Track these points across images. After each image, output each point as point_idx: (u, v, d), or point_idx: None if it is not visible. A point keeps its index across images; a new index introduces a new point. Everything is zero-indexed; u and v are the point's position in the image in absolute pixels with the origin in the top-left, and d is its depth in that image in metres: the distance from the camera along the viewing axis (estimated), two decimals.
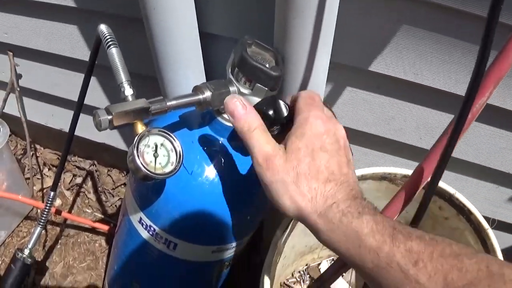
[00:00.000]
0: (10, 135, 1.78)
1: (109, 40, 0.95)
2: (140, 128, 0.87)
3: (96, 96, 1.67)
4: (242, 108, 0.79)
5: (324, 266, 1.75)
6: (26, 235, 2.03)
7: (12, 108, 1.78)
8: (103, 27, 0.98)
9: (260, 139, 0.76)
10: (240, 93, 0.91)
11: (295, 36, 0.97)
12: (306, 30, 0.95)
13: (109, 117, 0.81)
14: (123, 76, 0.91)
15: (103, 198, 2.09)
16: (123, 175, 2.10)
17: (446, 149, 0.76)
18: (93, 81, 1.62)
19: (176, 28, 1.11)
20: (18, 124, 1.87)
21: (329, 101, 1.26)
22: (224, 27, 1.23)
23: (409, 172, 1.24)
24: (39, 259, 1.95)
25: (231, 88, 0.91)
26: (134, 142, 0.85)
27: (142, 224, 1.12)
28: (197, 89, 0.90)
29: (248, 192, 1.04)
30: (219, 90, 0.89)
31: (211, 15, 1.21)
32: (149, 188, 1.06)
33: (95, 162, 2.13)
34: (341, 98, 1.26)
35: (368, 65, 1.13)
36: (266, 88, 0.90)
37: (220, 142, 1.01)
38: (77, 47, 1.52)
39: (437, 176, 0.81)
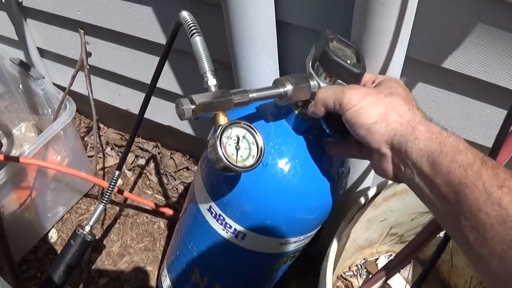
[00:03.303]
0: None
1: (192, 28, 0.94)
2: (222, 119, 0.87)
3: (164, 78, 1.67)
4: None
5: (382, 261, 1.74)
6: (85, 212, 2.05)
7: (78, 85, 1.79)
8: (185, 14, 0.97)
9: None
10: (320, 88, 0.91)
11: (374, 28, 0.96)
12: (385, 22, 0.95)
13: (193, 106, 0.81)
14: (206, 66, 0.91)
15: (165, 181, 2.10)
16: (186, 158, 2.10)
17: None
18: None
19: (254, 12, 1.10)
20: (83, 101, 1.88)
21: None
22: (300, 16, 1.22)
23: None
24: (97, 237, 1.97)
25: (312, 83, 0.91)
26: (217, 133, 0.85)
27: (212, 213, 1.11)
28: (278, 82, 0.90)
29: (320, 187, 1.03)
30: (299, 84, 0.90)
31: (288, 3, 1.20)
32: (221, 178, 1.06)
33: (159, 144, 2.14)
34: (411, 93, 1.22)
35: (441, 62, 1.11)
36: (346, 85, 0.89)
37: (296, 135, 1.01)
38: (150, 29, 1.52)
39: None
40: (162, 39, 1.51)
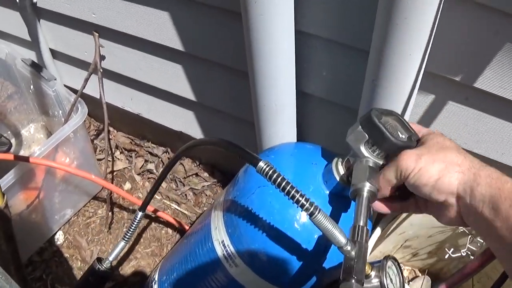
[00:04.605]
0: None
1: (308, 206, 0.86)
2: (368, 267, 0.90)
3: (176, 83, 1.67)
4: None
5: None
6: (92, 215, 2.05)
7: (89, 88, 1.78)
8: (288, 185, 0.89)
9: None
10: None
11: (394, 41, 0.97)
12: (406, 35, 0.95)
13: (358, 282, 0.80)
14: (342, 239, 0.85)
15: (173, 186, 2.09)
16: (196, 165, 2.09)
17: None
18: (177, 69, 1.63)
19: (273, 23, 1.11)
20: (94, 104, 1.88)
21: (416, 108, 1.25)
22: (320, 26, 1.22)
23: None
24: (104, 240, 1.97)
25: (373, 166, 0.91)
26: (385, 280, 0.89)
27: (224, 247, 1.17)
28: (355, 193, 0.90)
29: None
30: (373, 177, 0.90)
31: (308, 13, 1.20)
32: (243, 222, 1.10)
33: (168, 150, 2.13)
34: (427, 106, 1.25)
35: (458, 76, 1.12)
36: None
37: (331, 199, 1.06)
38: (165, 33, 1.51)
39: None
40: (177, 44, 1.51)
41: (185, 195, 2.07)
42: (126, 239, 1.55)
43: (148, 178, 2.14)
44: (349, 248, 0.83)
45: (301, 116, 1.41)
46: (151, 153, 2.17)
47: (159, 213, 1.90)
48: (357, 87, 1.21)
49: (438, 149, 0.83)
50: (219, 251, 1.15)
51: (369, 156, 0.91)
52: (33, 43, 1.94)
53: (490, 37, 1.01)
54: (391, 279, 0.89)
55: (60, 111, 1.92)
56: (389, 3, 0.91)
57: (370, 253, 1.54)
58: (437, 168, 0.79)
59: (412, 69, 1.03)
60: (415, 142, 0.89)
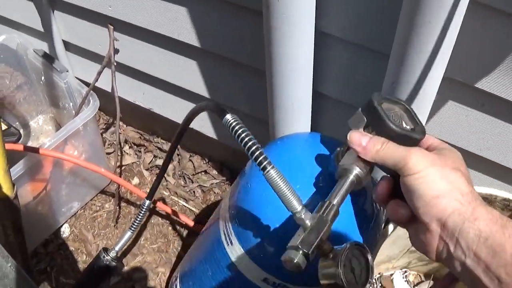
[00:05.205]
0: None
1: (262, 159, 0.82)
2: (328, 248, 0.81)
3: (188, 78, 1.66)
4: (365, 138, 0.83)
5: (397, 277, 1.73)
6: (99, 209, 2.04)
7: (100, 81, 1.77)
8: (241, 131, 0.85)
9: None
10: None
11: (417, 43, 0.96)
12: (430, 39, 0.95)
13: (303, 255, 0.76)
14: (296, 204, 0.81)
15: (182, 183, 2.08)
16: (205, 162, 2.09)
17: None
18: (190, 64, 1.62)
19: (296, 23, 1.10)
20: (104, 97, 1.86)
21: (431, 113, 1.24)
22: (339, 27, 1.21)
23: (510, 195, 1.20)
24: (110, 235, 1.97)
25: None
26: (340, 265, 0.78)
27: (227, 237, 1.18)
28: (343, 172, 0.86)
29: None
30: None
31: (328, 14, 1.19)
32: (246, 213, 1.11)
33: (178, 146, 2.12)
34: (442, 111, 1.24)
35: (476, 82, 1.11)
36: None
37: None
38: (182, 29, 1.51)
39: None
40: (193, 40, 1.50)
41: (193, 192, 2.06)
42: (133, 229, 1.55)
43: (157, 173, 2.12)
44: (302, 216, 0.79)
45: (315, 117, 1.40)
46: (160, 149, 2.17)
47: (165, 207, 1.89)
48: (375, 89, 1.20)
49: (452, 169, 0.75)
50: (222, 233, 1.17)
51: None
52: (46, 34, 1.93)
53: (509, 43, 1.00)
54: (352, 268, 0.79)
55: (71, 103, 1.92)
56: (413, 7, 0.90)
57: (376, 258, 1.54)
58: (443, 186, 0.72)
59: (432, 73, 1.02)
60: (420, 135, 0.84)
